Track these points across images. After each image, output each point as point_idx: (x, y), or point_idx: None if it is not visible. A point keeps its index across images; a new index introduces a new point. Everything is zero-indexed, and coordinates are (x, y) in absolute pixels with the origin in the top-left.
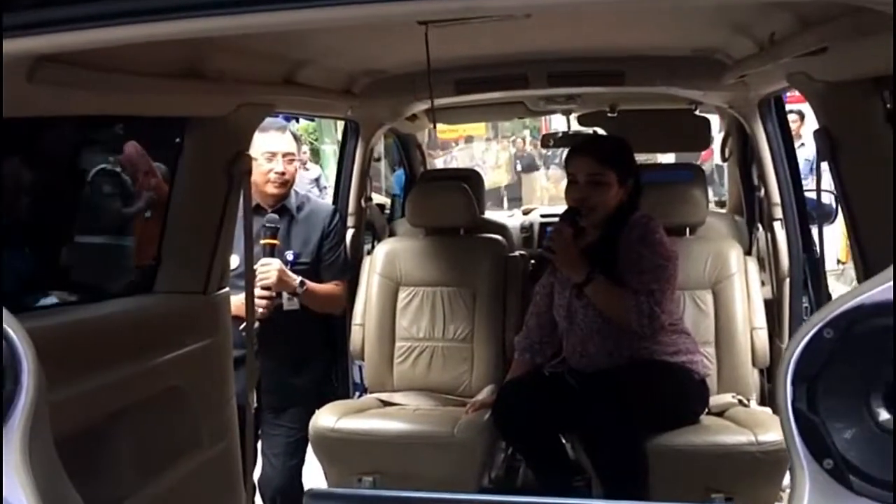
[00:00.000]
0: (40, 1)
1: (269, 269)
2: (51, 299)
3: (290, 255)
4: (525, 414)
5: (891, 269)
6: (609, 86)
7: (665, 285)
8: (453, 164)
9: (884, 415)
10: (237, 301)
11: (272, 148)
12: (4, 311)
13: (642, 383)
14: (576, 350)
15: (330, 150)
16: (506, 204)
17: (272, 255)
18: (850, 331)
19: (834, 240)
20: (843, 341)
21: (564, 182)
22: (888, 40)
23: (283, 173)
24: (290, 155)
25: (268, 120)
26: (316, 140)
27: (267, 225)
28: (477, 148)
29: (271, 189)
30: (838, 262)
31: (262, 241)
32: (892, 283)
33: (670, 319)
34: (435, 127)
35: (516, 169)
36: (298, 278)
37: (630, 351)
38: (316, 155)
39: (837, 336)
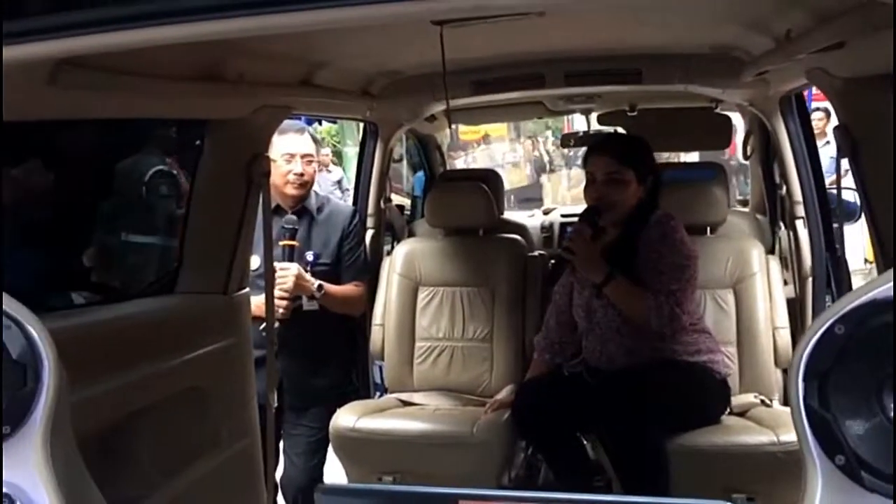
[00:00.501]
0: (59, 4)
1: (286, 275)
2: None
3: (310, 256)
4: (544, 414)
5: None
6: (626, 84)
7: (686, 285)
8: (473, 165)
9: None
10: (257, 301)
11: (291, 149)
12: (26, 311)
13: (662, 383)
14: (595, 350)
15: (352, 153)
16: (515, 206)
17: (291, 256)
18: (862, 326)
19: (862, 239)
20: (854, 337)
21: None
22: None
23: (301, 174)
24: (308, 156)
25: (286, 122)
26: (338, 142)
27: (285, 226)
28: (498, 148)
29: (291, 190)
30: (865, 261)
31: (280, 243)
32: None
33: (691, 319)
34: (451, 126)
35: (526, 172)
36: (316, 283)
37: (650, 351)
38: (338, 157)
39: (849, 332)
